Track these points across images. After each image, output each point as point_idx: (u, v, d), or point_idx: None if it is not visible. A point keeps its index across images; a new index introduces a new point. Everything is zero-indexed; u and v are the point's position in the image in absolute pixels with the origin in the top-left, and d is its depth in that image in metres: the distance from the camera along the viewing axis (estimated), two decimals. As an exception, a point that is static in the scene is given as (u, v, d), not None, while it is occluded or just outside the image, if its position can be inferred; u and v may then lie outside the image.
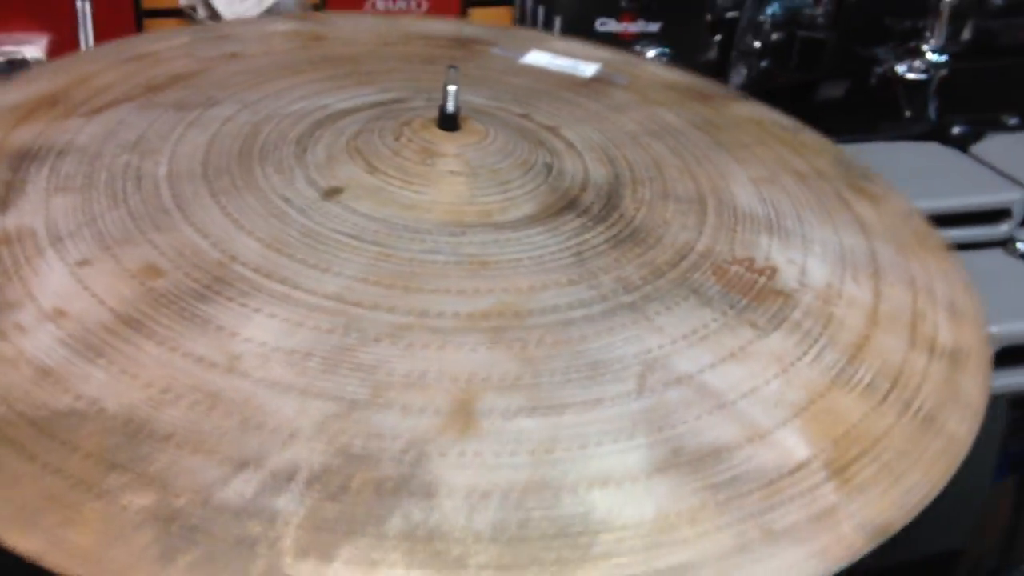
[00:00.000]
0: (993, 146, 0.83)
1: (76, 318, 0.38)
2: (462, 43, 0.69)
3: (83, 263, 0.41)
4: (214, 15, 0.92)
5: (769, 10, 1.07)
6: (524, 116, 0.57)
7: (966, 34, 1.07)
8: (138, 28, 0.88)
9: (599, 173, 0.52)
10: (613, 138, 0.57)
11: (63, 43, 0.89)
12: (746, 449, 0.37)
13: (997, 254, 0.73)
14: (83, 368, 0.36)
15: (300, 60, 0.62)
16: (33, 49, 0.88)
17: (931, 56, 0.95)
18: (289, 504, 0.32)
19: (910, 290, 0.48)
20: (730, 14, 1.11)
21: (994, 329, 0.61)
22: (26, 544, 0.30)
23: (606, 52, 0.73)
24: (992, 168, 0.79)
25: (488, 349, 0.39)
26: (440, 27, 0.72)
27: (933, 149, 0.84)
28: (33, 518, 0.31)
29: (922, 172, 0.78)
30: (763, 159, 0.58)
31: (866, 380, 0.41)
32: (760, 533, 0.34)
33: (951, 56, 0.99)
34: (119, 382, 0.35)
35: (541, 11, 0.96)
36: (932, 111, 0.92)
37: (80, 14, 0.86)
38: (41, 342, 0.37)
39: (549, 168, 0.51)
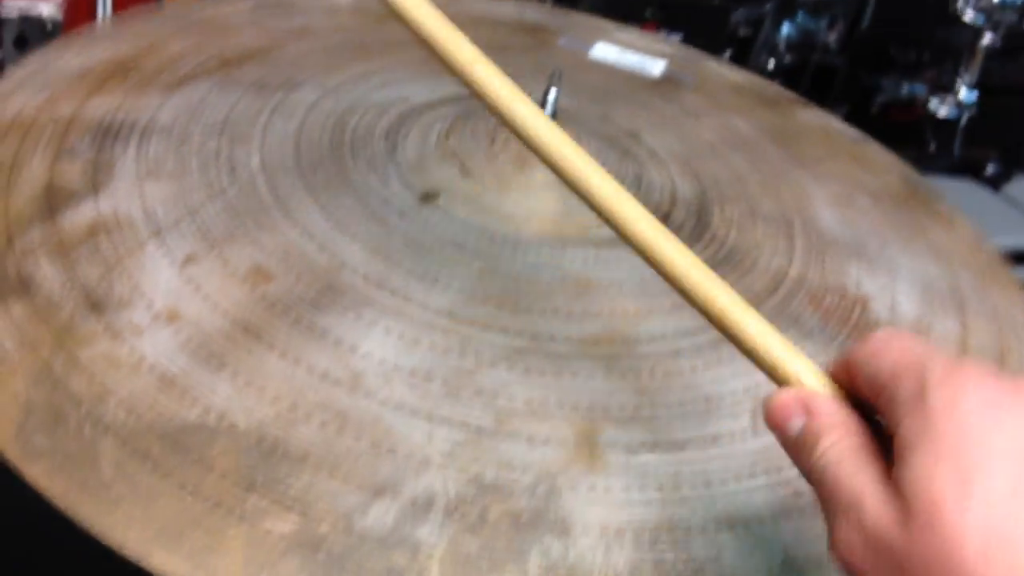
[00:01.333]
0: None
1: (192, 322, 0.37)
2: (528, 30, 0.68)
3: (189, 260, 0.40)
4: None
5: (784, 31, 1.07)
6: (604, 118, 0.57)
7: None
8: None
9: (686, 188, 0.52)
10: (693, 148, 0.56)
11: (80, 3, 0.86)
12: (860, 493, 0.37)
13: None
14: (208, 378, 0.35)
15: (373, 41, 0.60)
16: (48, 7, 0.85)
17: (963, 94, 0.95)
18: (431, 535, 0.32)
19: (994, 323, 0.49)
20: (743, 32, 1.11)
21: None
22: (172, 567, 0.30)
23: (667, 46, 0.72)
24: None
25: (604, 378, 0.39)
26: (502, 9, 0.71)
27: (966, 188, 0.85)
28: (177, 540, 0.30)
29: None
30: (838, 176, 0.58)
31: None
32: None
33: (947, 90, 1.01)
34: (246, 396, 0.35)
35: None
36: (957, 147, 0.93)
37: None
38: (161, 346, 0.36)
39: (639, 181, 0.51)
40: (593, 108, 0.58)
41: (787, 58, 1.14)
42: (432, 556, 0.31)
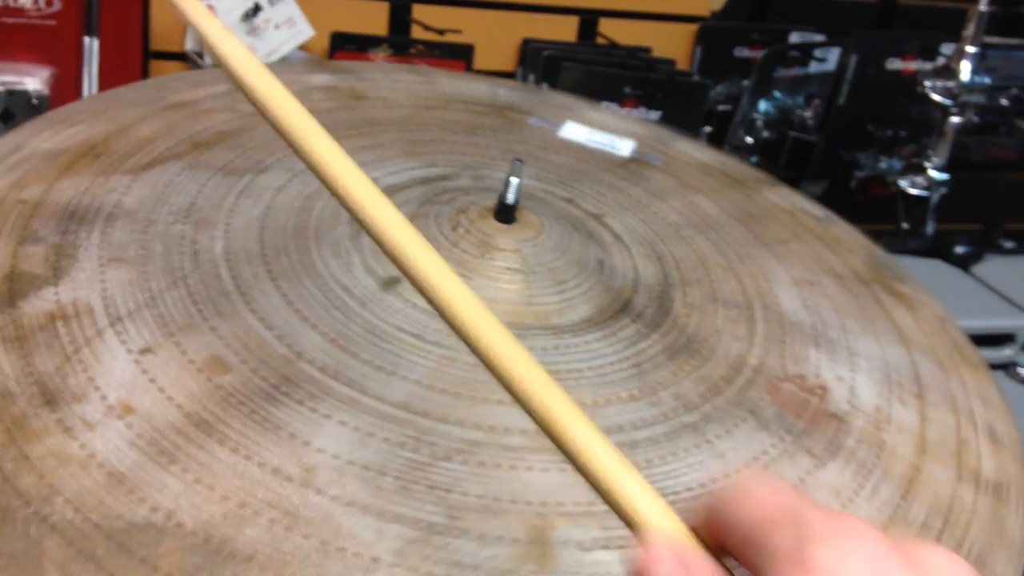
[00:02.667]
0: (994, 268, 0.85)
1: (145, 416, 0.37)
2: (499, 111, 0.69)
3: (146, 351, 0.40)
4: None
5: (762, 107, 1.10)
6: (569, 201, 0.58)
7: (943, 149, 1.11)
8: (144, 69, 0.86)
9: (648, 272, 0.52)
10: (658, 230, 0.57)
11: (65, 79, 0.87)
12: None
13: (999, 377, 0.75)
14: (157, 476, 0.35)
15: (343, 122, 0.61)
16: (34, 81, 0.86)
17: (933, 173, 0.97)
18: (375, 642, 0.32)
19: (953, 412, 0.49)
20: (722, 107, 1.14)
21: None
22: (109, 676, 0.29)
23: (637, 125, 0.73)
24: (994, 290, 0.81)
25: (559, 471, 0.39)
26: (475, 88, 0.72)
27: (936, 268, 0.86)
28: (115, 647, 0.30)
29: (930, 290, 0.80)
30: (802, 257, 0.59)
31: (920, 518, 0.42)
32: None
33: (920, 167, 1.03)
34: (195, 493, 0.35)
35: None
36: (929, 225, 0.95)
37: (87, 52, 0.84)
38: (111, 443, 0.36)
39: (601, 265, 0.51)
40: (559, 190, 0.58)
41: (765, 134, 1.16)
42: (376, 662, 0.31)
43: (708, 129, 1.08)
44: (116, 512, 0.34)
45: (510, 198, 0.49)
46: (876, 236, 0.67)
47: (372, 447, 0.38)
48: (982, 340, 0.74)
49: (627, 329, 0.47)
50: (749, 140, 1.16)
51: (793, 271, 0.57)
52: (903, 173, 0.97)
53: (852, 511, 0.41)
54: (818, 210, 0.67)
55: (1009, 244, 0.88)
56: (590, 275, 0.50)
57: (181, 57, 0.91)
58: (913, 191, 0.95)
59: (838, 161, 1.15)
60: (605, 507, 0.37)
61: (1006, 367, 0.74)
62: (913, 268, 0.85)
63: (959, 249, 0.86)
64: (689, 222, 0.59)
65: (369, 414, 0.39)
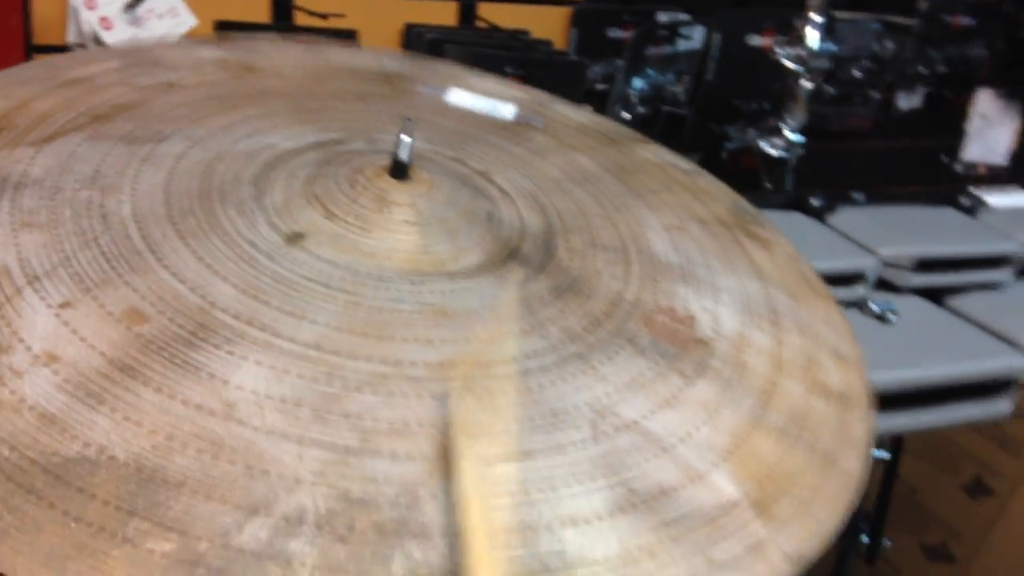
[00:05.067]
0: (846, 218, 0.93)
1: (70, 363, 0.39)
2: (388, 79, 0.72)
3: (65, 305, 0.42)
4: (98, 41, 0.91)
5: (637, 85, 1.16)
6: (457, 160, 0.61)
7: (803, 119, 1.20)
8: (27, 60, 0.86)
9: (534, 221, 0.57)
10: (540, 184, 0.61)
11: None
12: (688, 490, 0.42)
13: (853, 314, 0.82)
14: (86, 415, 0.37)
15: (237, 93, 0.63)
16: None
17: (789, 135, 1.05)
18: (302, 547, 0.35)
19: (803, 336, 0.55)
20: (599, 86, 1.20)
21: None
22: (58, 591, 0.32)
23: (519, 91, 0.77)
24: (847, 237, 0.89)
25: (460, 398, 0.43)
26: (362, 59, 0.75)
27: (795, 219, 0.93)
28: (62, 564, 0.33)
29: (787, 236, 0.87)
30: (671, 205, 0.64)
31: (779, 424, 0.48)
32: (707, 565, 0.40)
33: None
34: (124, 429, 0.37)
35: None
36: (790, 184, 1.02)
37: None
38: (40, 388, 0.38)
39: (490, 217, 0.55)
40: (447, 150, 0.62)
41: (640, 109, 1.22)
42: (304, 565, 0.35)
43: (588, 108, 1.13)
44: (51, 449, 0.36)
45: (403, 156, 0.53)
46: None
47: (288, 383, 0.41)
48: (836, 280, 0.81)
49: (517, 273, 0.52)
50: (626, 116, 1.22)
51: (663, 218, 0.62)
52: (763, 136, 1.05)
53: (718, 421, 0.46)
54: (686, 164, 0.73)
55: (859, 196, 0.96)
56: (480, 226, 0.54)
57: (63, 49, 0.91)
58: (772, 152, 1.03)
59: (709, 134, 1.22)
60: (503, 427, 0.42)
61: (858, 304, 0.82)
62: (773, 219, 0.92)
63: (814, 202, 0.93)
64: (568, 176, 0.64)
65: (283, 354, 0.42)
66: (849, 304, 0.83)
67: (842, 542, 1.12)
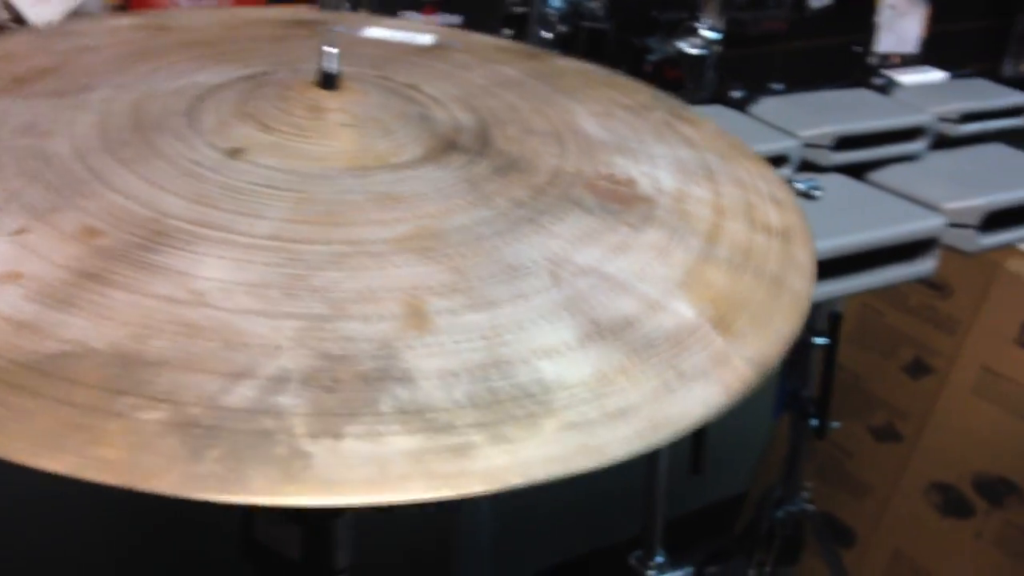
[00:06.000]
0: (767, 106, 0.96)
1: (34, 278, 0.40)
2: (304, 24, 0.73)
3: (20, 231, 0.43)
4: (17, 19, 0.90)
5: (555, 4, 1.17)
6: (383, 77, 0.63)
7: (720, 25, 1.23)
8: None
9: (467, 119, 0.58)
10: (469, 91, 0.63)
11: None
12: (650, 318, 0.44)
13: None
14: (59, 318, 0.38)
15: (155, 48, 0.64)
16: None
17: (706, 33, 1.08)
18: (292, 400, 0.36)
19: (740, 187, 0.58)
20: (518, 9, 1.21)
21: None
22: (59, 465, 0.33)
23: (433, 27, 0.79)
24: (768, 124, 0.92)
25: (422, 264, 0.44)
26: (277, 13, 0.75)
27: (718, 111, 0.96)
28: (59, 442, 0.34)
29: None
30: (596, 98, 0.66)
31: (725, 256, 0.50)
32: (677, 377, 0.42)
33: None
34: (99, 325, 0.38)
35: (347, 5, 1.01)
36: (711, 81, 1.05)
37: None
38: (8, 302, 0.39)
39: (424, 117, 0.57)
40: (372, 71, 0.63)
41: (561, 28, 1.23)
42: (295, 414, 0.36)
43: (509, 32, 1.14)
44: (31, 349, 0.37)
45: (330, 66, 0.54)
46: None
47: (252, 270, 0.42)
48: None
49: (458, 160, 0.53)
50: (548, 35, 1.23)
51: (590, 107, 0.64)
52: (681, 37, 1.07)
53: (669, 258, 0.48)
54: (602, 71, 0.75)
55: (778, 87, 0.99)
56: (415, 125, 0.55)
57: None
58: (692, 51, 1.05)
59: (632, 48, 1.24)
60: (465, 285, 0.43)
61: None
62: (697, 113, 0.95)
63: (735, 94, 0.96)
64: (495, 83, 0.65)
65: (243, 247, 0.43)
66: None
67: (793, 427, 1.16)
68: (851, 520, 1.62)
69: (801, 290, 0.50)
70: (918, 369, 1.58)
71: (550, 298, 0.44)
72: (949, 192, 0.86)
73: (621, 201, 0.52)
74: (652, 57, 1.15)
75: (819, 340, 1.10)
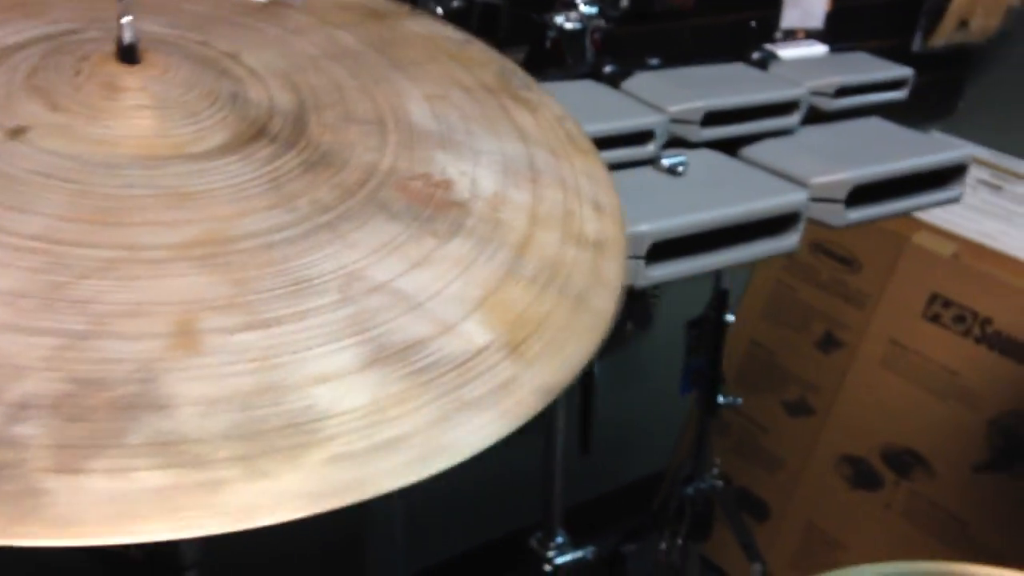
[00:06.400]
0: (638, 81, 0.95)
1: None
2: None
3: None
4: None
5: None
6: (203, 43, 0.59)
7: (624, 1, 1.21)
8: None
9: (284, 99, 0.56)
10: (295, 63, 0.60)
11: None
12: (438, 341, 0.43)
13: (648, 170, 0.85)
14: None
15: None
16: None
17: (584, 8, 1.06)
18: (32, 429, 0.34)
19: (562, 190, 0.57)
20: None
21: (646, 227, 0.73)
22: None
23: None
24: (638, 99, 0.91)
25: (200, 275, 0.42)
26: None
27: (588, 85, 0.95)
28: None
29: (579, 104, 0.89)
30: (434, 76, 0.64)
31: (530, 272, 0.49)
32: (457, 405, 0.41)
33: (612, 20, 1.13)
34: None
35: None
36: (590, 56, 1.03)
37: None
38: None
39: (235, 97, 0.54)
40: (193, 34, 0.60)
41: (454, 3, 1.19)
42: (33, 446, 0.34)
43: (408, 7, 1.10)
44: None
45: (127, 37, 0.50)
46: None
47: (10, 276, 0.39)
48: (627, 139, 0.84)
49: (263, 151, 0.51)
50: (439, 10, 1.19)
51: (425, 88, 0.62)
52: (558, 11, 1.05)
53: (471, 275, 0.48)
54: (457, 34, 0.73)
55: (655, 61, 0.98)
56: (224, 106, 0.53)
57: None
58: (568, 25, 1.03)
59: (532, 25, 1.21)
60: (245, 299, 0.41)
61: (651, 161, 0.84)
62: (566, 89, 0.93)
63: (607, 68, 0.94)
64: (326, 54, 0.63)
65: (4, 248, 0.40)
66: (643, 162, 0.85)
67: (701, 404, 1.18)
68: (765, 494, 1.66)
69: (604, 310, 0.50)
70: (829, 343, 1.61)
71: (336, 317, 0.43)
72: (816, 167, 0.87)
73: (432, 206, 0.51)
74: (552, 34, 1.13)
75: (728, 317, 1.12)
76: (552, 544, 1.06)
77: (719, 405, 1.19)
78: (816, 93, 1.01)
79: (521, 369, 0.44)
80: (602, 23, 1.17)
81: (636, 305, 1.52)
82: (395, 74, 0.63)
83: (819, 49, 1.17)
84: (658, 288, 1.49)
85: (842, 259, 1.62)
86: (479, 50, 0.72)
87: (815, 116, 1.02)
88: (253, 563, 1.41)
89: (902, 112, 1.75)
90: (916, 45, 1.71)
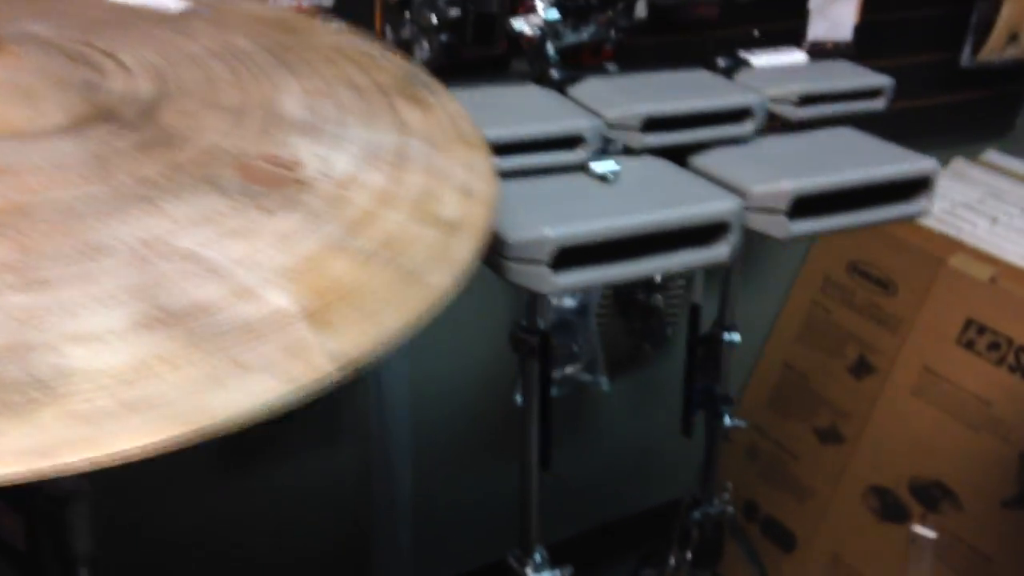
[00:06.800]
0: (586, 87, 0.93)
1: None
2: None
3: None
4: None
5: None
6: (84, 43, 0.60)
7: (641, 11, 1.20)
8: None
9: (145, 88, 0.55)
10: (172, 60, 0.60)
11: None
12: (232, 305, 0.42)
13: (580, 176, 0.82)
14: None
15: None
16: None
17: (544, 14, 1.05)
18: None
19: (427, 176, 0.55)
20: None
21: (549, 232, 0.70)
22: None
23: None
24: (579, 104, 0.89)
25: (-15, 239, 0.41)
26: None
27: (532, 90, 0.93)
28: None
29: (512, 107, 0.87)
30: (324, 75, 0.63)
31: (360, 246, 0.47)
32: (233, 368, 0.39)
33: (626, 30, 1.12)
34: None
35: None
36: (553, 60, 1.02)
37: None
38: None
39: (88, 85, 0.54)
40: (78, 34, 0.60)
41: (450, 12, 1.19)
42: None
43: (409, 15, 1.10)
44: None
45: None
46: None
47: None
48: (556, 144, 0.81)
49: (102, 132, 0.50)
50: (434, 19, 1.19)
51: (309, 84, 0.61)
52: (517, 15, 1.04)
53: (290, 247, 0.46)
54: (374, 48, 0.72)
55: (612, 67, 0.95)
56: (72, 92, 0.52)
57: None
58: (526, 30, 1.02)
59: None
60: (30, 262, 0.40)
61: (582, 167, 0.82)
62: (506, 92, 0.91)
63: (555, 73, 0.93)
64: (211, 53, 0.62)
65: None
66: (574, 168, 0.83)
67: (707, 426, 1.15)
68: (793, 524, 1.60)
69: (439, 285, 0.48)
70: (862, 368, 1.54)
71: (119, 281, 0.41)
72: (759, 176, 0.84)
73: (270, 184, 0.50)
74: (558, 43, 1.13)
75: (732, 337, 1.08)
76: (529, 561, 1.01)
77: (726, 427, 1.14)
78: (778, 101, 0.97)
79: (321, 336, 0.42)
80: (611, 34, 1.15)
81: (651, 325, 1.48)
82: (280, 72, 0.62)
83: (799, 57, 1.13)
84: (675, 308, 1.44)
85: (878, 281, 1.55)
86: (391, 62, 0.71)
87: (783, 125, 0.98)
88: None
89: (954, 130, 1.67)
90: (966, 60, 1.60)
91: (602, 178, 0.81)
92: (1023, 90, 1.76)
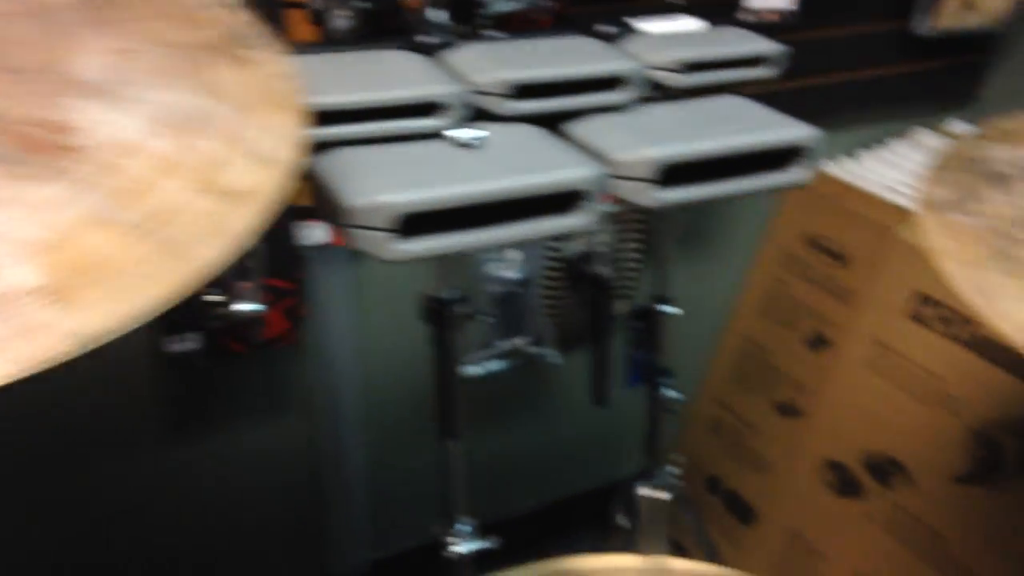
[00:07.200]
0: (458, 54, 0.90)
1: None
2: None
3: None
4: None
5: None
6: None
7: None
8: None
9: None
10: (-36, 18, 0.57)
11: None
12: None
13: (442, 143, 0.81)
14: None
15: None
16: None
17: None
18: None
19: (226, 143, 0.53)
20: None
21: (390, 198, 0.69)
22: None
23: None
24: (448, 70, 0.86)
25: None
26: None
27: (397, 55, 0.90)
28: None
29: (369, 72, 0.85)
30: (139, 32, 0.61)
31: (130, 219, 0.46)
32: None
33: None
34: None
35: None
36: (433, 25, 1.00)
37: None
38: None
39: None
40: None
41: None
42: None
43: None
44: None
45: None
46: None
47: None
48: (413, 110, 0.80)
49: None
50: None
51: (112, 44, 0.59)
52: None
53: (47, 217, 0.44)
54: (215, 4, 0.69)
55: (497, 34, 0.92)
56: None
57: None
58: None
59: (469, 3, 1.17)
60: None
61: (438, 135, 0.80)
62: (369, 57, 0.88)
63: (423, 39, 0.90)
64: (15, 13, 0.60)
65: None
66: (432, 135, 0.81)
67: (649, 398, 1.14)
68: (753, 497, 1.59)
69: (207, 258, 0.46)
70: (818, 342, 1.53)
71: None
72: (624, 144, 0.83)
73: (35, 151, 0.48)
74: (486, 12, 1.10)
75: (667, 308, 1.07)
76: (452, 531, 1.01)
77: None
78: (662, 69, 0.96)
79: (63, 313, 0.41)
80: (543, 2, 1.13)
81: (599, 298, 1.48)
82: (85, 30, 0.60)
83: (694, 24, 1.11)
84: (629, 281, 1.44)
85: (833, 253, 1.53)
86: (234, 17, 0.68)
87: (668, 93, 0.96)
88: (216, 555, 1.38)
89: (915, 100, 1.62)
90: (922, 28, 1.56)
91: (465, 145, 0.80)
92: (984, 59, 1.73)
